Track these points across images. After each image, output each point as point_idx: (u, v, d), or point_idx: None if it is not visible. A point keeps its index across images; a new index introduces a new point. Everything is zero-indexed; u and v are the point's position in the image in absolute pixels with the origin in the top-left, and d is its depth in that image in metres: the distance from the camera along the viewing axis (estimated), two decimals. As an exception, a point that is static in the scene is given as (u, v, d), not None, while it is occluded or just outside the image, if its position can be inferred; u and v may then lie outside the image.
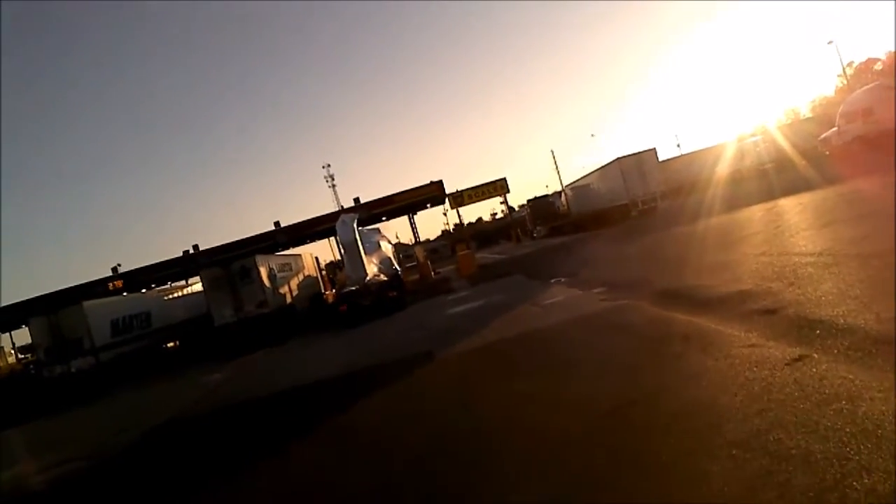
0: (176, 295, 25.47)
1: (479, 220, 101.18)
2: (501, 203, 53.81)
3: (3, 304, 32.77)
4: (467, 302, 13.54)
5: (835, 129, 27.98)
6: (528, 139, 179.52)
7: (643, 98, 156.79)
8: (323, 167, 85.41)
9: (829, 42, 62.17)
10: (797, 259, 7.45)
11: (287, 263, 25.01)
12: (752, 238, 10.56)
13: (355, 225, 20.45)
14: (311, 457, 5.17)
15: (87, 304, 19.78)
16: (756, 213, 14.83)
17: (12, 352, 44.94)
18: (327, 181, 69.93)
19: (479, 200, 43.82)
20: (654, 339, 5.61)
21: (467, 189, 43.16)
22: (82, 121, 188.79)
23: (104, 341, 19.81)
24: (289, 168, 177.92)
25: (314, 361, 11.51)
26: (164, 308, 23.79)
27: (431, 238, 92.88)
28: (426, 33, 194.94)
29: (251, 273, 20.16)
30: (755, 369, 4.02)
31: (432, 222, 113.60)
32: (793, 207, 14.00)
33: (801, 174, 26.09)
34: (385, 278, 20.83)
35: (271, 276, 21.53)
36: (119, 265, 31.09)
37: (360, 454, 4.83)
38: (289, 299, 24.03)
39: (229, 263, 20.53)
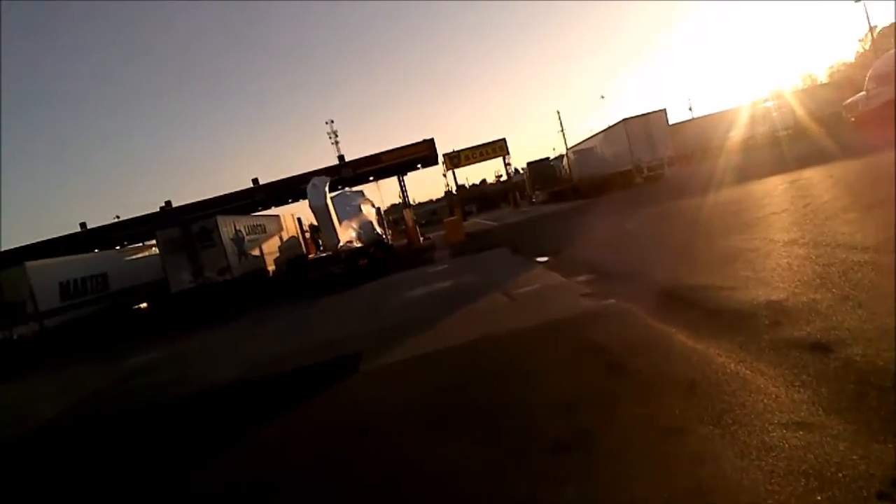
0: (139, 256, 23.68)
1: (483, 181, 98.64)
2: (507, 165, 51.55)
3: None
4: (437, 280, 11.71)
5: (862, 93, 25.54)
6: (539, 102, 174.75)
7: (656, 61, 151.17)
8: (326, 123, 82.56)
9: (857, 0, 58.03)
10: (845, 255, 5.52)
11: (260, 225, 23.16)
12: (777, 219, 8.59)
13: (327, 189, 18.84)
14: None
15: (29, 264, 18.03)
16: (777, 185, 12.78)
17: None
18: (330, 137, 67.56)
19: (476, 162, 41.65)
20: (641, 384, 3.75)
21: (464, 149, 40.93)
22: (56, 62, 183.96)
23: (51, 306, 18.15)
24: (291, 123, 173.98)
25: (235, 353, 9.69)
26: (124, 269, 22.06)
27: (435, 199, 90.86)
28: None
29: (212, 235, 18.38)
30: (822, 489, 2.17)
31: (437, 183, 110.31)
32: (821, 181, 11.95)
33: (820, 142, 23.86)
34: (359, 245, 19.40)
35: (237, 240, 19.73)
36: (85, 223, 29.27)
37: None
38: (262, 264, 22.33)
39: (189, 224, 18.67)
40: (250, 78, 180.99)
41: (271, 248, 24.76)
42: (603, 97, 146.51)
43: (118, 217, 31.16)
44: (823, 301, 4.39)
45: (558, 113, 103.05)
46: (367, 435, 4.10)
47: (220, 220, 18.77)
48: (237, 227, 20.00)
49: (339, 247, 18.59)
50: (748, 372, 3.50)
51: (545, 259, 11.05)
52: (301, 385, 6.07)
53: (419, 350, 6.11)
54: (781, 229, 7.70)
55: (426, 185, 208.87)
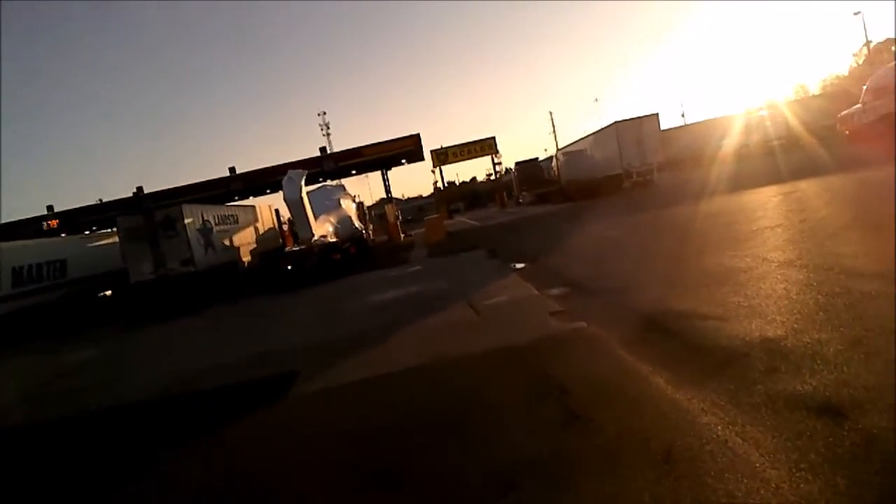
0: (102, 242, 22.53)
1: (474, 179, 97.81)
2: (498, 164, 50.66)
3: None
4: (406, 284, 10.88)
5: (858, 105, 25.02)
6: (534, 102, 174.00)
7: (651, 66, 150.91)
8: (319, 115, 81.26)
9: (857, 13, 57.86)
10: (851, 283, 4.77)
11: (231, 215, 22.16)
12: (772, 234, 7.85)
13: (303, 182, 18.06)
14: None
15: (-21, 247, 16.92)
16: (770, 196, 12.08)
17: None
18: (322, 129, 66.81)
19: (464, 159, 40.74)
20: (605, 448, 2.94)
21: (452, 146, 40.06)
22: (36, 43, 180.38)
23: (3, 292, 17.04)
24: (278, 114, 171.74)
25: (170, 357, 8.81)
26: (85, 256, 20.92)
27: (425, 195, 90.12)
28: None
29: (175, 225, 17.34)
30: None
31: (428, 179, 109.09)
32: (818, 194, 11.27)
33: (813, 153, 23.31)
34: (334, 240, 18.68)
35: (204, 230, 18.73)
36: (52, 206, 27.98)
37: None
38: (233, 256, 21.36)
39: (152, 212, 17.65)
40: (238, 68, 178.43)
41: (246, 239, 23.81)
42: (597, 100, 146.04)
43: (101, 201, 29.98)
44: (830, 343, 3.63)
45: (550, 114, 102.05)
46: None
47: (186, 208, 17.74)
48: (205, 217, 18.98)
49: (312, 241, 17.90)
50: (739, 441, 2.72)
51: (521, 266, 10.28)
52: (219, 410, 5.22)
53: (360, 373, 5.28)
54: (776, 247, 6.96)
55: (417, 180, 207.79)
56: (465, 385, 4.38)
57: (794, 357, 3.55)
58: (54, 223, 27.57)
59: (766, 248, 6.97)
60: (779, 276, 5.54)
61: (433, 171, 41.61)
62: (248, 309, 12.72)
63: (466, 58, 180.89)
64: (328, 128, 70.84)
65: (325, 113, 79.57)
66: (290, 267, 17.47)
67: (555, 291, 7.35)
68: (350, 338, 7.09)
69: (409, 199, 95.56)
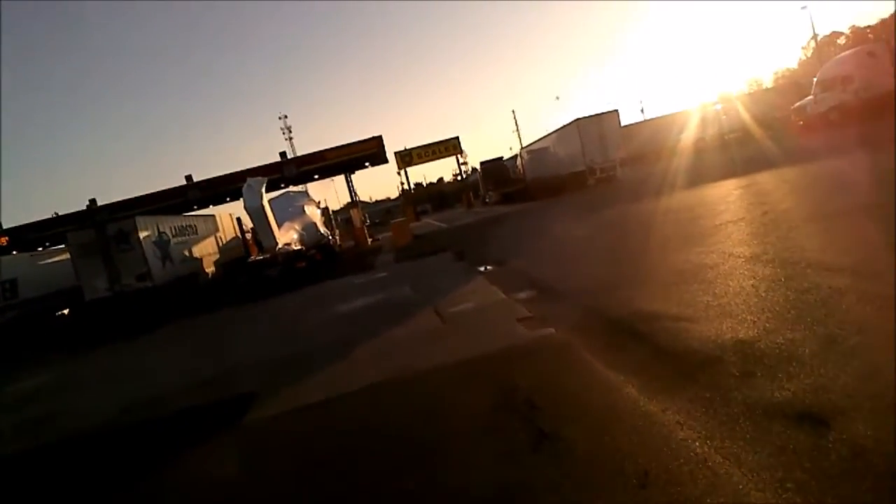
0: (54, 259, 21.51)
1: (441, 180, 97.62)
2: (463, 164, 50.59)
3: None
4: (372, 292, 10.57)
5: (810, 97, 25.75)
6: (498, 102, 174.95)
7: (611, 63, 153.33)
8: (280, 118, 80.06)
9: (803, 7, 59.90)
10: (819, 278, 4.69)
11: (190, 226, 21.43)
12: (735, 228, 7.82)
13: (263, 190, 17.82)
14: None
15: (-84, 271, 15.91)
16: (731, 190, 12.17)
17: None
18: (283, 132, 66.41)
19: (429, 160, 40.56)
20: (575, 471, 2.72)
21: (416, 147, 39.82)
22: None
23: (-57, 317, 16.09)
24: (235, 118, 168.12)
25: (122, 381, 8.36)
26: (37, 274, 19.95)
27: (393, 197, 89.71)
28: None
29: (129, 238, 16.64)
30: None
31: (395, 181, 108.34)
32: (777, 186, 11.39)
33: (766, 146, 23.83)
34: (298, 247, 18.37)
35: (160, 243, 18.03)
36: (-1, 223, 26.64)
37: None
38: (194, 268, 20.65)
39: (104, 225, 16.89)
40: (193, 71, 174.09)
41: (207, 250, 23.07)
42: (558, 98, 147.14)
43: (56, 214, 28.66)
44: (805, 343, 3.50)
45: (513, 112, 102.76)
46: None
47: (140, 220, 17.04)
48: (161, 229, 18.27)
49: (276, 249, 17.54)
50: (719, 459, 2.54)
51: (488, 268, 10.09)
52: (167, 443, 4.85)
53: (319, 393, 4.98)
54: (741, 241, 6.92)
55: (384, 182, 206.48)
56: (427, 404, 4.13)
57: (768, 360, 3.41)
58: (3, 240, 26.21)
59: (732, 243, 6.92)
60: (746, 273, 5.45)
61: (399, 173, 41.24)
62: (209, 323, 12.21)
63: (430, 59, 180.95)
64: (290, 131, 69.52)
65: (286, 116, 78.45)
66: (254, 276, 17.15)
67: (522, 295, 7.17)
68: (312, 352, 6.78)
69: (377, 201, 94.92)
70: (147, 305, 16.25)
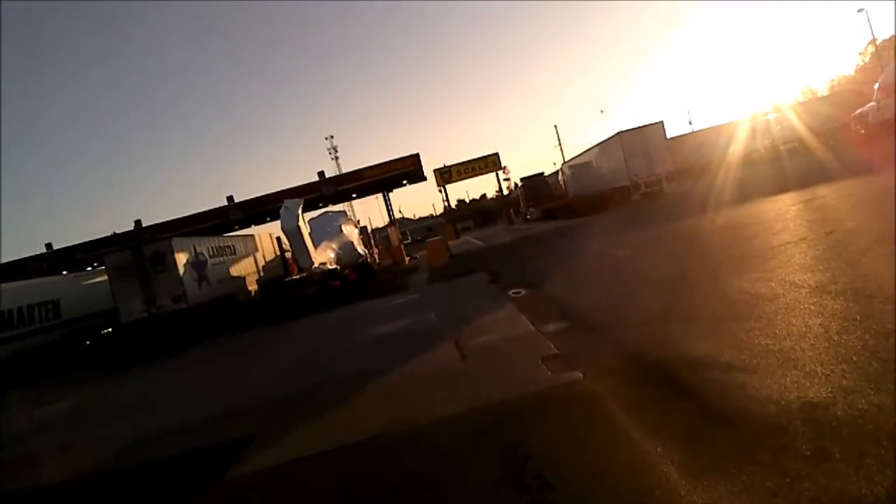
0: (96, 280, 21.95)
1: (484, 196, 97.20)
2: (506, 180, 49.99)
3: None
4: (398, 316, 10.11)
5: (872, 103, 24.04)
6: (541, 116, 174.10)
7: (658, 74, 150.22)
8: (326, 139, 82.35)
9: (860, 10, 56.73)
10: (907, 318, 3.86)
11: (228, 246, 21.53)
12: (796, 250, 6.93)
13: (300, 211, 18.19)
14: None
15: (-37, 293, 16.38)
16: (789, 205, 11.14)
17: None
18: (330, 153, 68.78)
19: (469, 177, 40.25)
20: None
21: (455, 164, 39.54)
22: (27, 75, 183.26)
23: (-9, 337, 16.48)
24: (277, 139, 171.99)
25: (133, 415, 8.07)
26: (79, 295, 20.34)
27: (436, 213, 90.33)
28: (432, 10, 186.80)
29: (165, 260, 16.71)
30: None
31: (438, 197, 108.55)
32: (840, 201, 10.32)
33: (823, 157, 22.30)
34: (333, 267, 18.48)
35: (197, 264, 18.09)
36: (50, 244, 27.55)
37: None
38: (232, 288, 20.72)
39: (140, 247, 17.05)
40: (234, 93, 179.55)
41: (246, 270, 23.22)
42: (602, 111, 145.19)
43: (115, 234, 29.61)
44: (897, 412, 2.73)
45: (555, 127, 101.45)
46: None
47: (176, 242, 17.12)
48: (198, 251, 18.35)
49: (312, 268, 17.70)
50: None
51: (519, 293, 9.43)
52: (150, 495, 4.40)
53: (316, 444, 4.44)
54: (804, 266, 6.05)
55: (428, 199, 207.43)
56: (425, 467, 3.51)
57: (848, 434, 2.67)
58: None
59: (793, 269, 6.06)
60: (812, 307, 4.64)
61: (440, 190, 40.92)
62: (237, 346, 12.03)
63: (473, 76, 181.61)
64: (336, 151, 70.87)
65: (332, 137, 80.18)
66: (291, 295, 17.31)
67: (551, 327, 6.49)
68: (325, 387, 6.32)
69: (420, 218, 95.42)
70: (182, 326, 16.24)
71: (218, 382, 8.57)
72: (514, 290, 9.76)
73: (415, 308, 10.74)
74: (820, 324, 4.23)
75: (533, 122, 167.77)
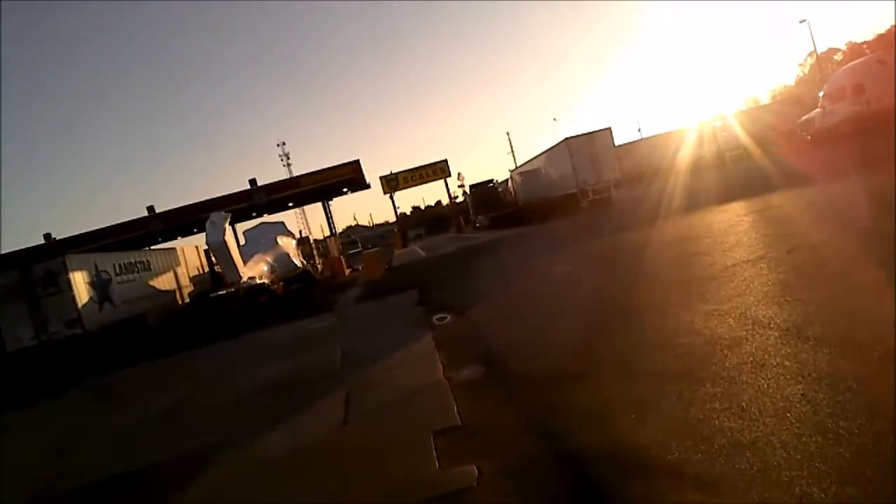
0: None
1: (438, 203, 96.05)
2: (460, 186, 48.78)
3: None
4: (299, 352, 8.67)
5: (817, 110, 23.99)
6: (498, 125, 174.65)
7: (609, 84, 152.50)
8: (277, 145, 79.42)
9: (802, 21, 58.12)
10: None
11: (141, 262, 19.52)
12: (755, 273, 5.81)
13: (226, 225, 16.80)
14: None
15: None
16: (741, 215, 10.18)
17: None
18: (282, 160, 66.35)
19: (417, 184, 38.85)
20: None
21: (402, 171, 38.13)
22: None
23: None
24: (210, 144, 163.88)
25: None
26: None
27: (391, 221, 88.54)
28: (380, 14, 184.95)
29: (58, 280, 14.70)
30: None
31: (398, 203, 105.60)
32: (799, 213, 9.42)
33: (767, 164, 21.95)
34: (261, 281, 17.09)
35: (98, 283, 16.10)
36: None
37: None
38: (142, 308, 18.69)
39: (29, 267, 14.96)
40: (159, 91, 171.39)
41: (164, 286, 21.19)
42: (555, 119, 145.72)
43: (51, 238, 26.82)
44: None
45: (507, 134, 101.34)
46: None
47: (71, 259, 15.12)
48: (99, 268, 16.34)
49: (240, 283, 16.25)
50: None
51: (444, 318, 8.12)
52: None
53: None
54: (767, 296, 4.91)
55: (387, 206, 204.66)
56: None
57: None
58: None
59: (754, 299, 4.90)
60: (787, 363, 3.44)
61: (391, 198, 39.33)
62: (111, 388, 10.30)
63: (428, 81, 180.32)
64: (288, 158, 67.72)
65: (284, 143, 77.51)
66: (216, 310, 16.01)
67: (465, 373, 5.19)
68: (156, 471, 4.78)
69: (376, 225, 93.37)
70: (77, 355, 14.25)
71: (51, 451, 6.85)
72: (438, 316, 8.46)
73: (326, 337, 9.28)
74: (801, 393, 3.02)
75: (490, 130, 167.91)
